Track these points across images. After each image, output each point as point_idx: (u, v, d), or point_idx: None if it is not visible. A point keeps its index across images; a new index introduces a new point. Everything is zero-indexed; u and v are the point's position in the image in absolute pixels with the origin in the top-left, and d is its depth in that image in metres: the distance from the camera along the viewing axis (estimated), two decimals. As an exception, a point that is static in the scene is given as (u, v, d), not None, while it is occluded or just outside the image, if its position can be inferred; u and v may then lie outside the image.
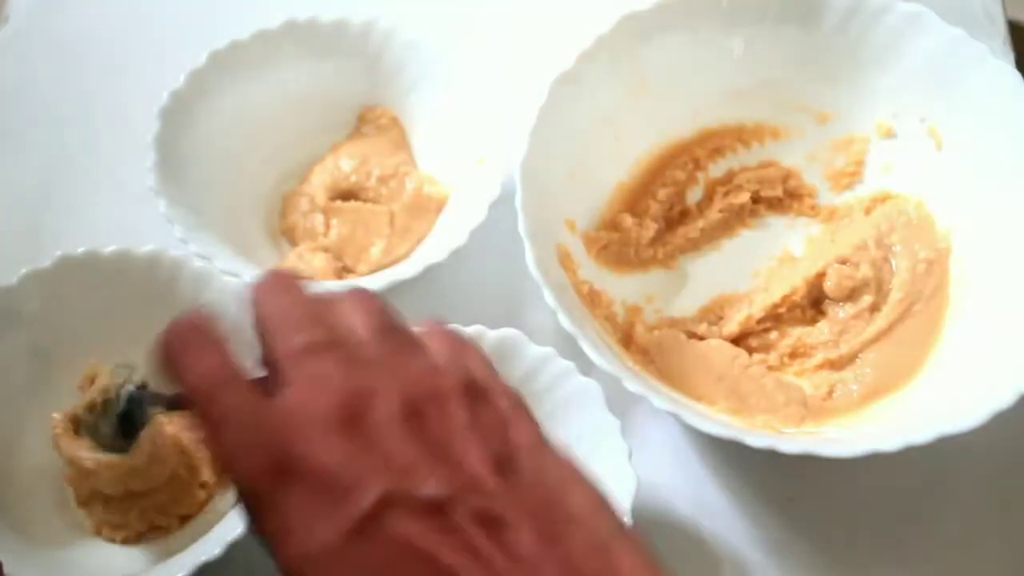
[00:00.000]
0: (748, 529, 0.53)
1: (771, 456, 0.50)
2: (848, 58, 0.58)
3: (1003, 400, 0.45)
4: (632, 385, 0.47)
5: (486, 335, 0.52)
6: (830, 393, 0.54)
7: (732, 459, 0.55)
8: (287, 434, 0.27)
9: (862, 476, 0.53)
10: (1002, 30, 0.69)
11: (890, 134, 0.59)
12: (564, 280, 0.53)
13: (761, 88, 0.61)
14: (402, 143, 0.65)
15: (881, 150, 0.60)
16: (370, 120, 0.66)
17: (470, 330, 0.51)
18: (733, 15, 0.59)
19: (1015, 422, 0.46)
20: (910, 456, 0.45)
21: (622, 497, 0.47)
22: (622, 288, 0.58)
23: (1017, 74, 0.54)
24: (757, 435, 0.47)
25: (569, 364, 0.51)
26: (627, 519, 0.46)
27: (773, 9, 0.59)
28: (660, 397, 0.47)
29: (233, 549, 0.46)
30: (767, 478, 0.54)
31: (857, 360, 0.55)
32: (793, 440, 0.47)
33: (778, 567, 0.52)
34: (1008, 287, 0.52)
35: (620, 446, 0.48)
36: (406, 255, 0.62)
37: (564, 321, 0.48)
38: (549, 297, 0.49)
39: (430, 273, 0.55)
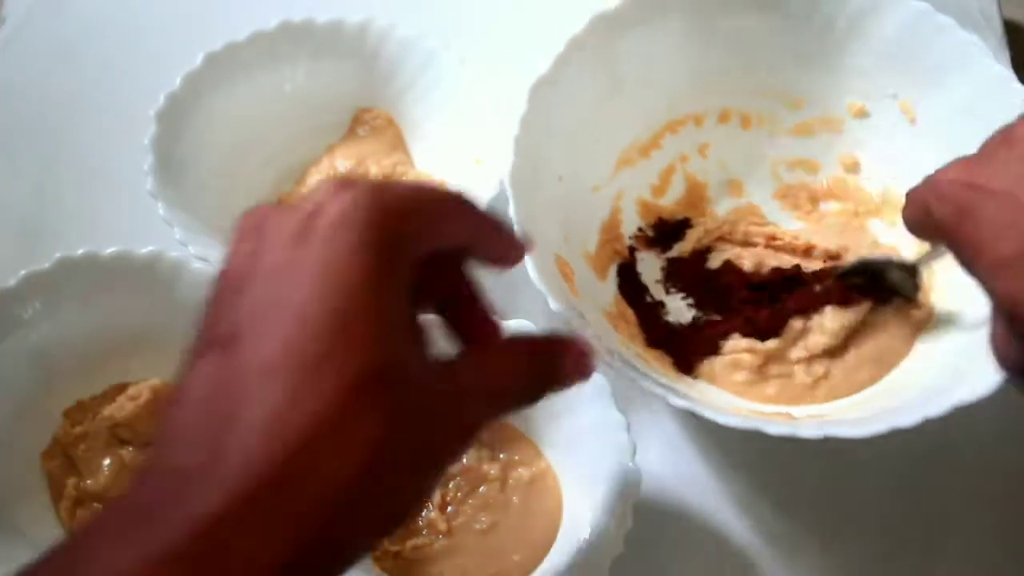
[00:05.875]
0: (752, 523, 0.54)
1: (772, 450, 0.50)
2: (817, 41, 0.59)
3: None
4: (648, 385, 0.47)
5: None
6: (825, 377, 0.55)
7: (733, 453, 0.56)
8: None
9: (862, 466, 0.54)
10: (998, 29, 0.70)
11: (863, 113, 0.60)
12: (562, 285, 0.53)
13: (732, 76, 0.61)
14: (398, 144, 0.66)
15: (855, 129, 0.61)
16: (365, 121, 0.66)
17: None
18: (700, 6, 0.59)
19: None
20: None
21: (627, 493, 0.47)
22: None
23: (982, 43, 0.54)
24: (773, 423, 0.46)
25: None
26: (631, 517, 0.46)
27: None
28: (676, 396, 0.47)
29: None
30: (770, 471, 0.55)
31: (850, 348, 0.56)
32: (808, 425, 0.46)
33: (782, 561, 0.53)
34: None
35: (626, 442, 0.48)
36: (404, 255, 0.62)
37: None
38: (553, 304, 0.48)
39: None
